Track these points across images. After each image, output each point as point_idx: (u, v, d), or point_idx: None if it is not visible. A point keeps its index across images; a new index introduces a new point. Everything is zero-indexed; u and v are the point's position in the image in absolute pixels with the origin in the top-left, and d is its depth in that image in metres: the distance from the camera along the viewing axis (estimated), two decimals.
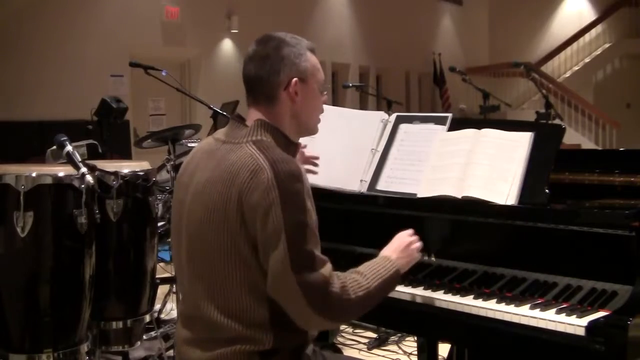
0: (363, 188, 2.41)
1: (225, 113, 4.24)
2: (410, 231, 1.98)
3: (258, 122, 1.81)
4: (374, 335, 3.91)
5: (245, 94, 1.88)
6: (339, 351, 3.44)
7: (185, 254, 1.81)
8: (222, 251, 1.70)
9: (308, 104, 1.87)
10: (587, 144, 11.91)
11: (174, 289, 3.95)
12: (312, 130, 1.94)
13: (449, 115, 2.40)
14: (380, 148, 2.46)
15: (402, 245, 1.93)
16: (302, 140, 1.98)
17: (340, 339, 3.87)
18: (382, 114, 2.54)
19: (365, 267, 1.81)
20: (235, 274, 1.70)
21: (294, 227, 1.65)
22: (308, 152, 2.41)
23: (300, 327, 1.74)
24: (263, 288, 1.69)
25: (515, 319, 1.86)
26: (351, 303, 1.71)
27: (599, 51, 14.17)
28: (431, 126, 2.39)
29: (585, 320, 1.76)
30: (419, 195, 2.24)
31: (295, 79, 1.81)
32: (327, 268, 1.70)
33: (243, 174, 1.68)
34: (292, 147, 1.85)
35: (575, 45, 14.08)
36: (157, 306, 3.42)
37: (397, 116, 2.50)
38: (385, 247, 1.94)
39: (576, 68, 14.10)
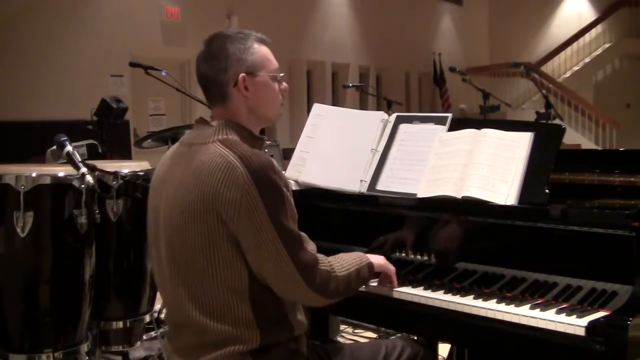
0: (363, 188, 2.41)
1: None
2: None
3: (222, 122, 1.85)
4: (374, 335, 3.91)
5: (204, 96, 1.92)
6: None
7: (166, 260, 1.82)
8: (201, 251, 1.72)
9: (262, 96, 1.89)
10: (587, 144, 11.91)
11: None
12: (271, 120, 1.97)
13: (449, 115, 2.40)
14: (380, 148, 2.45)
15: (377, 255, 2.08)
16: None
17: (340, 339, 3.86)
18: (382, 114, 2.53)
19: (343, 255, 1.93)
20: (216, 273, 1.72)
21: (278, 216, 1.70)
22: (309, 152, 2.42)
23: (286, 319, 1.80)
24: (244, 285, 1.73)
25: (515, 319, 1.86)
26: (338, 280, 1.82)
27: (599, 51, 14.17)
28: (431, 126, 2.39)
29: (585, 320, 1.76)
30: (418, 196, 2.24)
31: (242, 75, 1.84)
32: (313, 245, 1.80)
33: (215, 173, 1.70)
34: (257, 142, 1.89)
35: (575, 45, 14.08)
36: (157, 306, 3.41)
37: (397, 116, 2.50)
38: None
39: (576, 68, 14.10)
